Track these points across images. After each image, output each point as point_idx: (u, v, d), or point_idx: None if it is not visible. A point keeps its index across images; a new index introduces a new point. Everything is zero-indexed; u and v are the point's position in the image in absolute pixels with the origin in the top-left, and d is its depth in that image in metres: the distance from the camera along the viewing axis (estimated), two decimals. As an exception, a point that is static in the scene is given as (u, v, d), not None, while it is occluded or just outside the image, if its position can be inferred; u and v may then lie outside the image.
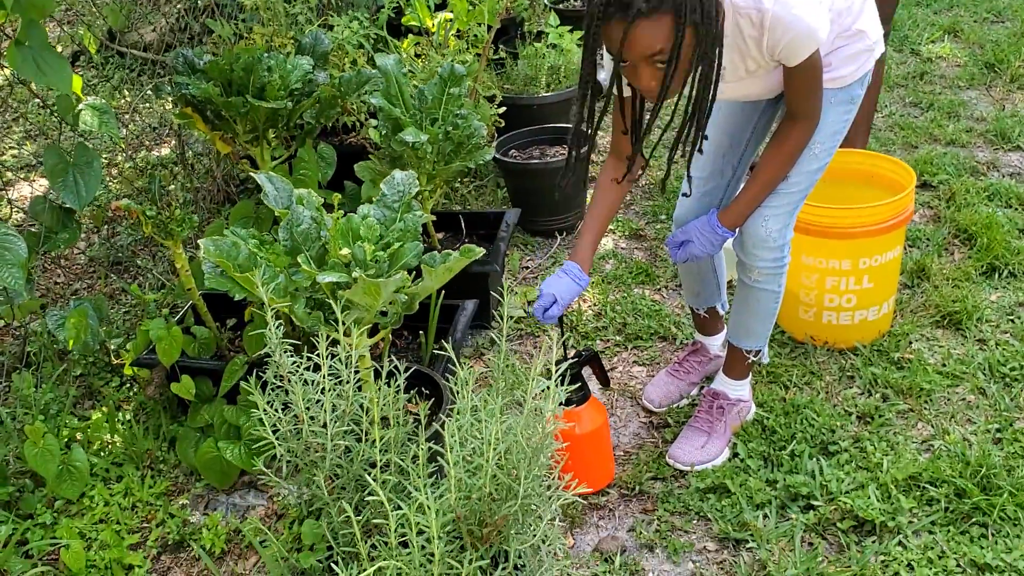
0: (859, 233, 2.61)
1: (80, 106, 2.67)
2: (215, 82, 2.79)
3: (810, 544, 2.17)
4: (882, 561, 2.09)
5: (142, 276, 3.59)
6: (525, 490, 1.35)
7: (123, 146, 3.87)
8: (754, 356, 2.43)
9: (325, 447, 1.49)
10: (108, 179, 4.27)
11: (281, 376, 1.53)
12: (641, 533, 2.24)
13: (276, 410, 1.52)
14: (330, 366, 1.54)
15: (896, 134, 4.38)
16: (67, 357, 2.94)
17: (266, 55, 2.85)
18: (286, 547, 2.18)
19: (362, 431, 1.57)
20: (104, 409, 2.68)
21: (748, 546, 2.18)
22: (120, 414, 2.66)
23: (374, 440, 1.47)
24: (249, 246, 2.05)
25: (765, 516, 2.25)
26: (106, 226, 4.02)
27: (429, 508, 1.31)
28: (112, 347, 2.82)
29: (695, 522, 2.27)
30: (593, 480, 2.35)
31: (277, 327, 1.68)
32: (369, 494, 1.45)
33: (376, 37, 3.85)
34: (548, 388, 1.42)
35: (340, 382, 1.56)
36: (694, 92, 1.85)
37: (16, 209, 4.23)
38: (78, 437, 2.57)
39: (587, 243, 2.20)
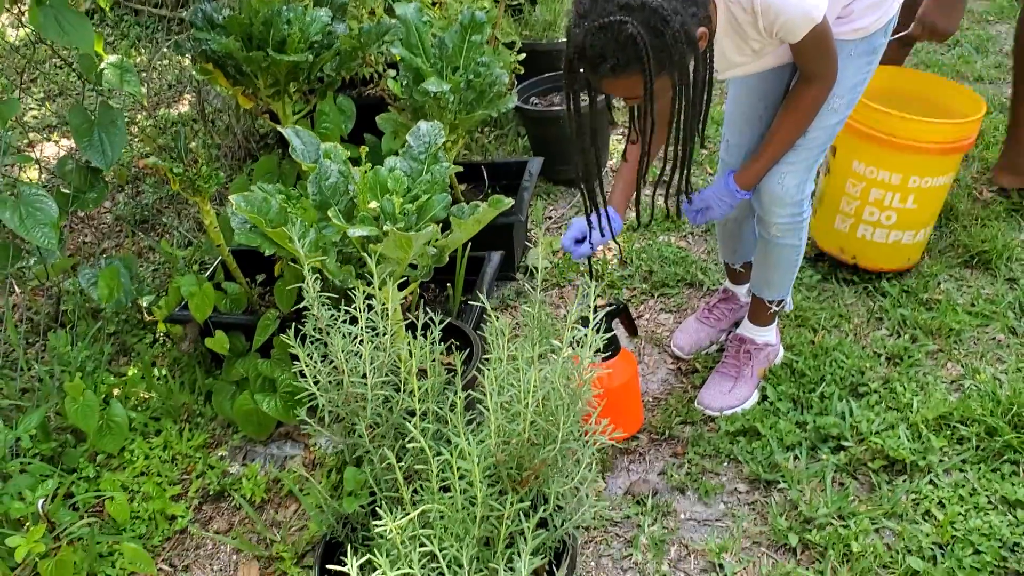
0: (918, 148, 2.57)
1: (102, 65, 2.67)
2: (235, 37, 2.77)
3: (841, 484, 2.19)
4: (913, 499, 2.11)
5: (168, 234, 3.61)
6: (564, 435, 1.37)
7: (144, 104, 3.86)
8: (776, 306, 2.42)
9: (366, 397, 1.51)
10: (129, 137, 4.29)
11: (319, 329, 1.55)
12: (672, 476, 2.27)
13: (316, 362, 1.55)
14: (367, 319, 1.56)
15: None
16: (100, 315, 2.98)
17: (285, 8, 2.83)
18: (325, 494, 2.24)
19: (400, 381, 1.59)
20: (139, 365, 2.72)
21: (779, 487, 2.20)
22: (155, 370, 2.70)
23: (412, 390, 1.49)
24: (277, 200, 2.07)
25: (796, 457, 2.27)
26: (130, 184, 4.05)
27: (470, 453, 1.33)
28: (144, 304, 2.86)
29: (725, 464, 2.30)
30: (624, 427, 2.37)
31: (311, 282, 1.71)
32: (409, 442, 1.48)
33: (394, -14, 3.80)
34: (584, 335, 1.43)
35: (377, 334, 1.58)
36: (681, 119, 1.81)
37: (41, 168, 4.26)
38: (115, 393, 2.62)
39: (620, 188, 2.20)
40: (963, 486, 2.12)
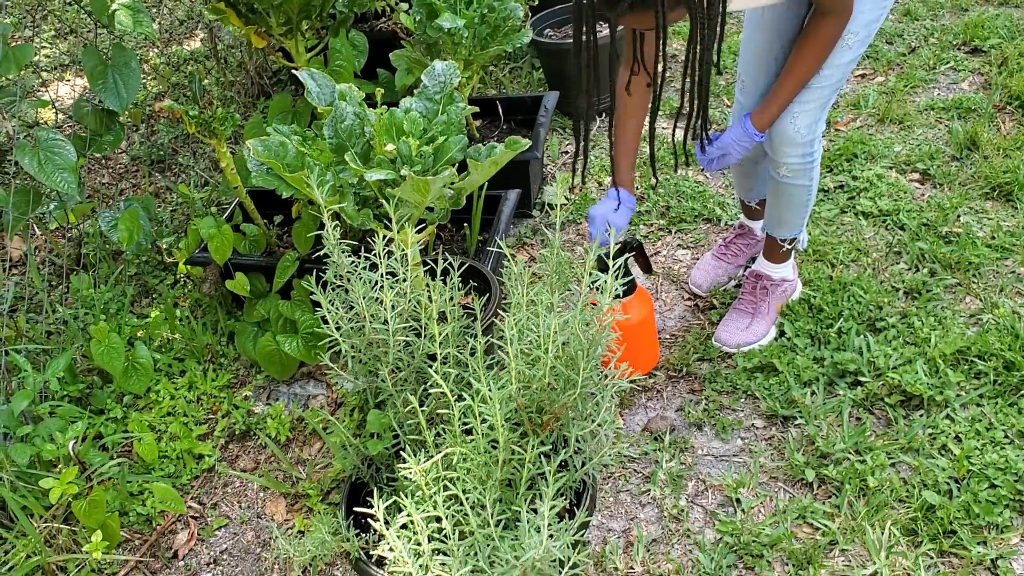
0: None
1: (113, 6, 2.65)
2: (246, -26, 2.74)
3: (858, 419, 2.21)
4: (930, 434, 2.13)
5: (184, 173, 3.62)
6: (583, 380, 1.39)
7: (158, 45, 3.83)
8: (790, 244, 2.41)
9: (387, 342, 1.53)
10: (143, 76, 4.26)
11: (340, 276, 1.56)
12: (689, 412, 2.29)
13: (337, 308, 1.56)
14: (386, 265, 1.57)
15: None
16: (121, 257, 3.01)
17: (296, -57, 2.78)
18: (350, 431, 2.28)
19: (421, 326, 1.61)
20: (161, 307, 2.75)
21: (796, 422, 2.22)
22: (177, 311, 2.73)
23: (433, 335, 1.51)
24: (294, 143, 2.06)
25: (813, 393, 2.29)
26: (145, 123, 4.04)
27: (491, 398, 1.35)
28: (164, 246, 2.88)
29: (742, 400, 2.32)
30: (640, 365, 2.39)
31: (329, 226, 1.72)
32: (431, 386, 1.50)
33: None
34: (604, 281, 1.44)
35: (397, 280, 1.59)
36: (697, 48, 1.76)
37: (56, 110, 4.25)
38: (139, 335, 2.66)
39: (626, 167, 2.18)
40: (980, 420, 2.13)
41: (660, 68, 1.79)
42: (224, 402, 2.49)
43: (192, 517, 2.22)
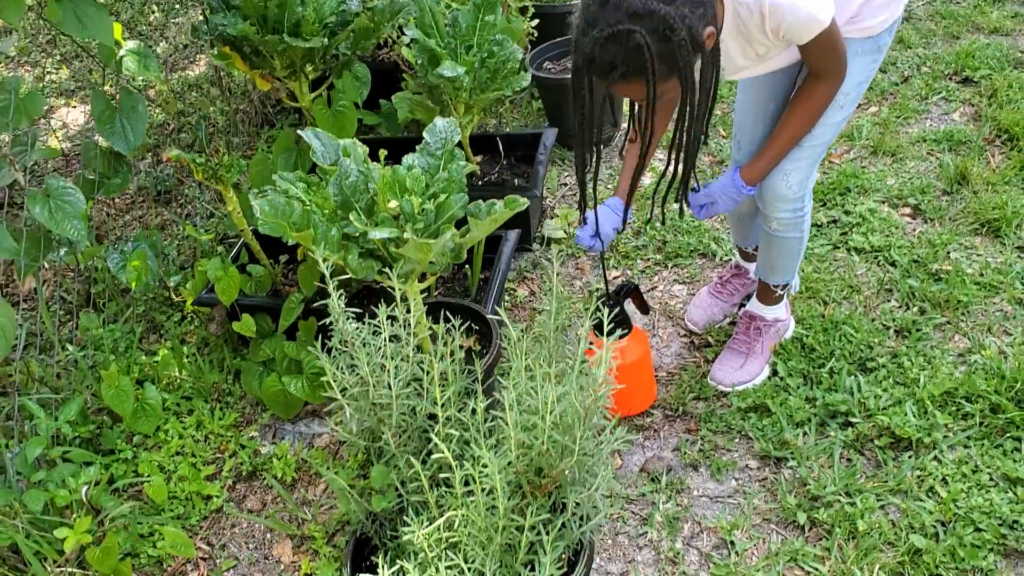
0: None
1: (121, 52, 2.71)
2: (251, 20, 2.80)
3: (848, 460, 2.27)
4: (918, 476, 2.19)
5: (190, 205, 3.68)
6: (580, 448, 1.45)
7: (165, 87, 3.89)
8: (782, 289, 2.48)
9: (391, 406, 1.60)
10: (148, 103, 4.33)
11: (345, 341, 1.63)
12: (685, 453, 2.36)
13: (343, 372, 1.63)
14: (390, 331, 1.63)
15: (937, 24, 4.29)
16: (129, 294, 3.07)
17: (298, -13, 2.84)
18: (352, 474, 2.35)
19: (423, 388, 1.67)
20: (169, 344, 2.81)
21: (789, 464, 2.28)
22: (184, 347, 2.80)
23: (435, 399, 1.58)
24: (298, 191, 2.12)
25: (805, 434, 2.35)
26: (151, 153, 4.10)
27: (491, 465, 1.41)
28: (171, 284, 2.94)
29: (737, 441, 2.38)
30: (637, 404, 2.46)
31: (331, 274, 1.80)
32: (434, 447, 1.56)
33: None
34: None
35: (400, 344, 1.66)
36: (686, 118, 1.84)
37: (61, 139, 4.32)
38: (147, 371, 2.72)
39: (626, 180, 2.25)
40: (966, 463, 2.19)
41: (649, 139, 1.85)
42: (231, 441, 2.55)
43: (201, 558, 2.28)
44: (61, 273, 3.15)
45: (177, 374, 2.75)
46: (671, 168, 2.00)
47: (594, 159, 2.00)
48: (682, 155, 1.94)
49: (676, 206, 2.17)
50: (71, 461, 2.28)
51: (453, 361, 1.68)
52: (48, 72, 5.07)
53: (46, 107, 4.51)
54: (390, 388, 1.59)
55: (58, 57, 5.22)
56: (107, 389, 2.45)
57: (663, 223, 2.25)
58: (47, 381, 2.58)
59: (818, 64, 1.93)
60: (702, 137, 1.90)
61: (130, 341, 2.83)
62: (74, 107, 4.68)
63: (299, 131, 2.13)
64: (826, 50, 1.87)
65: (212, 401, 2.70)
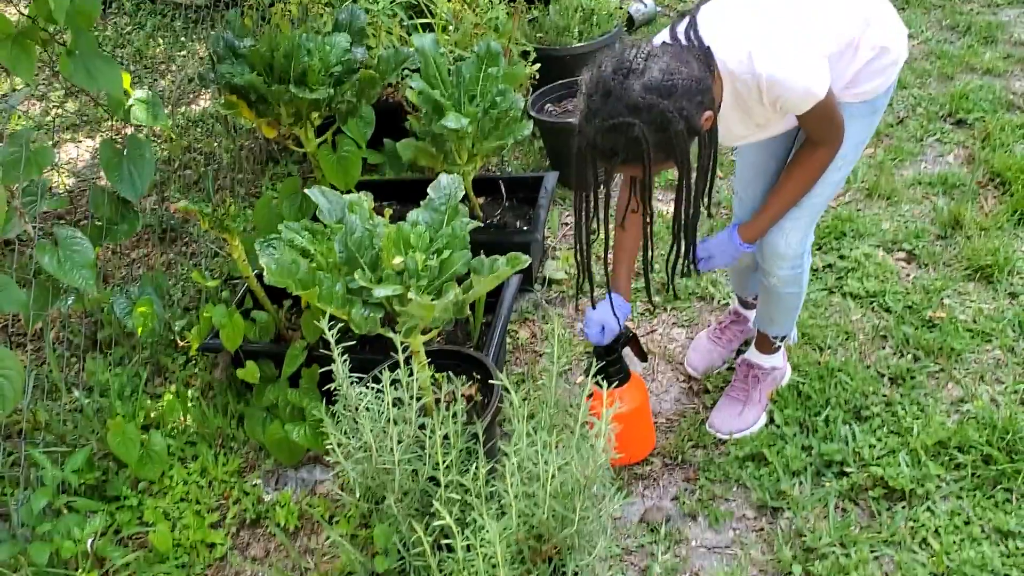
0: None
1: (130, 101, 2.77)
2: (257, 70, 2.86)
3: (843, 511, 2.31)
4: (911, 527, 2.22)
5: (195, 243, 3.72)
6: (580, 516, 1.49)
7: (171, 135, 3.95)
8: (780, 341, 2.52)
9: (394, 471, 1.64)
10: (154, 141, 4.38)
11: (349, 407, 1.67)
12: (684, 502, 2.39)
13: (348, 437, 1.67)
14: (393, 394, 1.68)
15: (932, 64, 4.34)
16: (135, 337, 3.11)
17: (304, 37, 2.90)
18: (355, 523, 2.38)
19: (424, 452, 1.71)
20: (174, 389, 2.85)
21: (785, 514, 2.32)
22: (188, 391, 2.83)
23: (437, 463, 1.62)
24: (304, 240, 2.17)
25: (801, 483, 2.38)
26: (155, 190, 4.14)
27: (493, 532, 1.45)
28: (176, 329, 2.98)
29: (735, 490, 2.42)
30: (636, 452, 2.50)
31: (331, 326, 1.85)
32: (435, 512, 1.59)
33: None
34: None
35: (403, 407, 1.70)
36: (683, 195, 1.91)
37: (67, 174, 4.37)
38: (152, 416, 2.76)
39: (623, 274, 2.34)
40: (959, 514, 2.23)
41: (649, 216, 1.91)
42: (235, 488, 2.58)
43: (206, 607, 2.31)
44: (67, 315, 3.19)
45: (182, 419, 2.78)
46: (676, 245, 2.06)
47: (600, 233, 2.05)
48: (684, 231, 2.00)
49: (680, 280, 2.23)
50: (76, 511, 2.32)
51: (455, 422, 1.72)
52: (53, 105, 5.12)
53: (52, 142, 4.56)
54: (393, 453, 1.63)
55: (62, 92, 5.28)
56: (114, 437, 2.48)
57: (676, 297, 2.30)
58: (53, 428, 2.62)
59: (815, 132, 1.98)
60: (703, 210, 1.95)
61: (136, 385, 2.87)
62: (79, 143, 4.73)
63: (305, 190, 2.18)
64: (823, 119, 1.93)
65: (216, 446, 2.73)
